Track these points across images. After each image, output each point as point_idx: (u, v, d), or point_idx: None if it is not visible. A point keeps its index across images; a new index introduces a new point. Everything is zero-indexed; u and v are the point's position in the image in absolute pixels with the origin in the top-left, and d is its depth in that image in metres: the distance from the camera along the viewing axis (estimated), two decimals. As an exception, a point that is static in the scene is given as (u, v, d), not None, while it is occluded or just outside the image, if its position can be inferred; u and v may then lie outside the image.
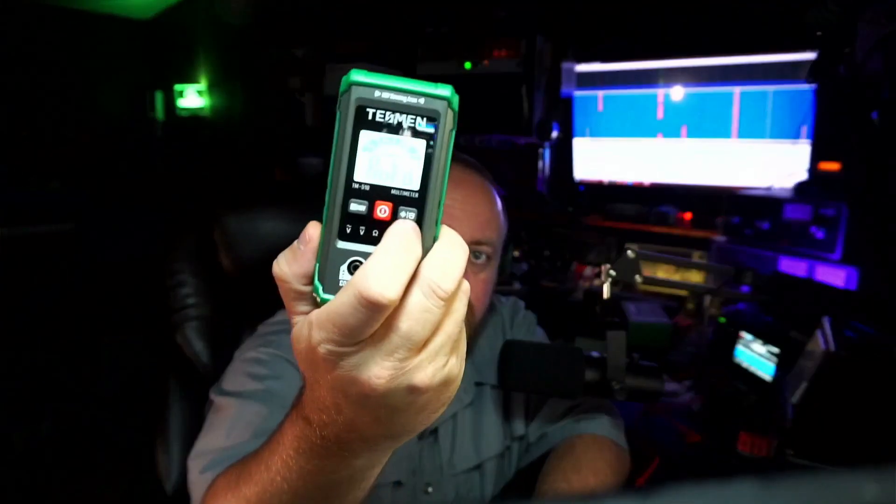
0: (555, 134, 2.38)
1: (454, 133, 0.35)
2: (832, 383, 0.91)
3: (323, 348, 0.34)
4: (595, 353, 0.86)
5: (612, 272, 0.95)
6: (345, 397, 0.37)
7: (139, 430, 1.44)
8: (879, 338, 0.95)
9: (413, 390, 0.35)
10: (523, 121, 2.41)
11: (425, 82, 0.34)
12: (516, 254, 2.23)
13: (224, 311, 1.13)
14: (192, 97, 3.94)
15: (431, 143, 0.34)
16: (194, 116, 3.99)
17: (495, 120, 2.45)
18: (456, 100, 0.35)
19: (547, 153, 2.46)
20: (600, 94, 2.27)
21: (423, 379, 0.35)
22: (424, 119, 0.34)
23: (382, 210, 0.34)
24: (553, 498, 0.87)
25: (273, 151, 3.44)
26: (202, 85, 3.95)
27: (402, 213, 0.34)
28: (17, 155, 3.65)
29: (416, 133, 0.34)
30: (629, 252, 0.95)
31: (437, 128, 0.34)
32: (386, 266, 0.32)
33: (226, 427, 0.77)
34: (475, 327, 0.91)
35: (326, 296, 0.35)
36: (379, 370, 0.34)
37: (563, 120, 2.38)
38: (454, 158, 0.94)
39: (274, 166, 3.35)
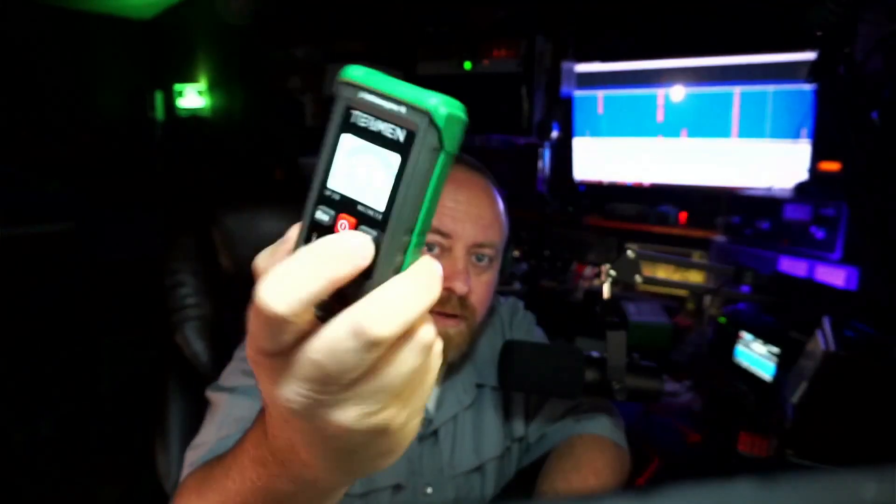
0: (555, 134, 2.38)
1: (444, 155, 0.30)
2: (832, 383, 0.91)
3: (250, 353, 0.34)
4: (595, 353, 0.86)
5: (612, 272, 0.95)
6: (273, 408, 0.36)
7: (139, 430, 1.44)
8: (879, 338, 0.95)
9: (334, 426, 0.32)
10: (523, 121, 2.41)
11: (419, 89, 0.30)
12: (516, 254, 2.22)
13: (224, 311, 1.13)
14: (192, 97, 3.94)
15: (406, 159, 0.30)
16: (194, 116, 3.99)
17: (495, 120, 2.45)
18: (443, 114, 0.29)
19: (547, 153, 2.46)
20: (600, 93, 2.27)
21: (343, 419, 0.31)
22: (403, 131, 0.30)
23: (343, 225, 0.31)
24: (553, 498, 0.87)
25: (273, 151, 3.44)
26: (202, 85, 3.95)
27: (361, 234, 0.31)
28: (16, 155, 3.64)
29: (393, 146, 0.30)
30: (629, 252, 0.95)
31: (413, 143, 0.30)
32: (282, 276, 0.29)
33: (217, 421, 0.78)
34: (476, 329, 0.91)
35: None
36: (290, 391, 0.31)
37: (563, 120, 2.38)
38: (458, 160, 0.94)
39: (274, 166, 3.35)
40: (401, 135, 0.30)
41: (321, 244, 0.29)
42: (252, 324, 0.31)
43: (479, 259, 0.87)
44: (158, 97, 4.14)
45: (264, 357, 0.32)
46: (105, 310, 3.14)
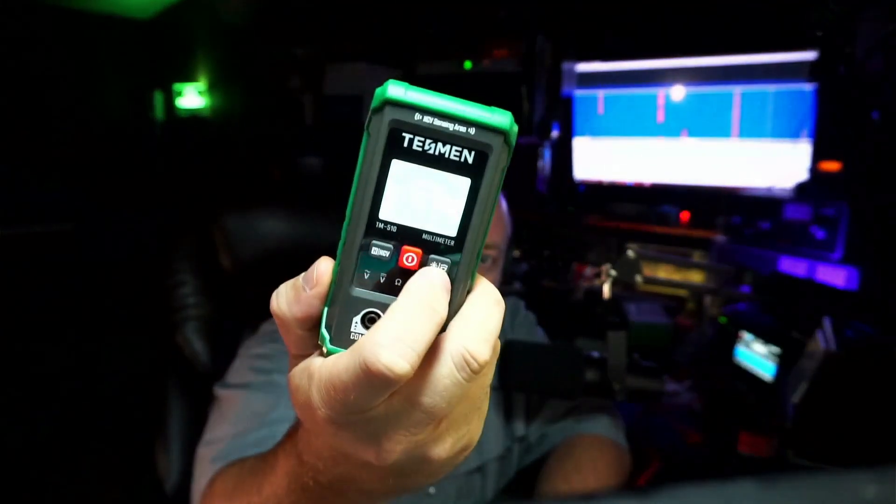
0: (555, 134, 2.37)
1: (505, 171, 0.29)
2: (832, 383, 0.91)
3: (323, 412, 0.29)
4: (595, 354, 0.86)
5: (613, 272, 0.95)
6: (345, 459, 0.33)
7: (139, 430, 1.44)
8: (879, 338, 0.95)
9: (428, 461, 0.31)
10: (523, 120, 2.40)
11: (479, 105, 0.28)
12: (516, 254, 2.22)
13: (224, 310, 1.13)
14: (192, 97, 3.94)
15: (478, 181, 0.28)
16: (194, 116, 3.99)
17: (495, 120, 2.44)
18: (514, 131, 0.29)
19: (547, 153, 2.46)
20: (600, 93, 2.27)
21: (441, 452, 0.31)
22: (473, 153, 0.28)
23: (410, 258, 0.29)
24: (553, 498, 0.87)
25: (273, 151, 3.44)
26: (202, 85, 3.95)
27: (433, 263, 0.29)
28: (17, 155, 3.65)
29: (460, 168, 0.28)
30: (630, 252, 0.95)
31: (486, 165, 0.28)
32: (401, 332, 0.26)
33: (233, 417, 0.77)
34: None
35: (334, 347, 0.29)
36: (390, 444, 0.29)
37: (563, 120, 2.38)
38: None
39: (273, 166, 3.35)
40: (469, 156, 0.28)
41: (420, 287, 0.28)
42: (342, 388, 0.28)
43: (483, 261, 0.87)
44: (158, 97, 4.14)
45: (357, 416, 0.29)
46: (105, 310, 3.14)
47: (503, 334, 1.05)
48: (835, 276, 1.30)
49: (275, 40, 3.21)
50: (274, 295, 0.31)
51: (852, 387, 0.91)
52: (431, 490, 0.91)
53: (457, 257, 0.29)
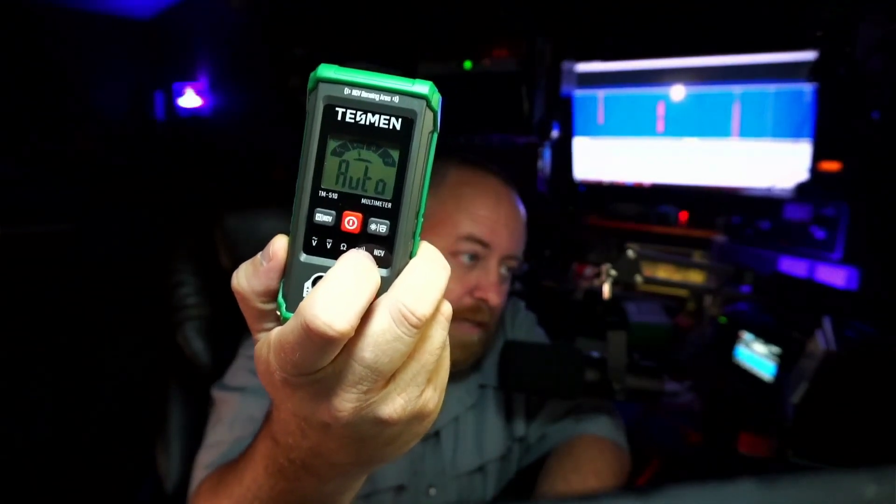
0: (555, 133, 2.37)
1: (435, 135, 0.31)
2: (832, 383, 0.91)
3: (278, 375, 0.31)
4: (595, 354, 0.86)
5: (613, 272, 0.95)
6: (307, 424, 0.34)
7: (139, 430, 1.44)
8: (879, 338, 0.95)
9: (380, 422, 0.32)
10: (523, 120, 2.40)
11: (402, 78, 0.31)
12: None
13: (224, 310, 1.13)
14: (192, 97, 3.94)
15: (407, 147, 0.31)
16: (194, 116, 3.99)
17: (495, 119, 2.44)
18: (436, 98, 0.31)
19: (547, 153, 2.46)
20: (600, 93, 2.27)
21: (391, 412, 0.32)
22: (399, 120, 0.30)
23: (351, 221, 0.31)
24: (553, 498, 0.87)
25: (273, 151, 3.44)
26: (202, 85, 3.95)
27: (373, 226, 0.31)
28: (17, 155, 3.65)
29: (389, 136, 0.31)
30: (629, 252, 0.95)
31: (413, 130, 0.30)
32: (338, 292, 0.28)
33: (229, 421, 0.78)
34: (491, 333, 0.92)
35: (289, 314, 0.31)
36: (340, 402, 0.31)
37: (563, 120, 2.38)
38: (491, 170, 0.94)
39: (274, 166, 3.35)
40: (397, 123, 0.31)
41: (358, 254, 0.30)
42: (289, 348, 0.30)
43: (508, 269, 0.89)
44: (158, 97, 4.14)
45: (305, 377, 0.31)
46: (105, 310, 3.13)
47: (503, 334, 1.05)
48: (835, 276, 1.30)
49: (275, 41, 3.21)
50: (234, 273, 0.33)
51: (852, 387, 0.91)
52: (432, 491, 0.91)
53: (395, 219, 0.31)
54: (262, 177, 3.48)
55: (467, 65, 2.47)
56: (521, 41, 2.38)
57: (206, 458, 0.73)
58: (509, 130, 2.46)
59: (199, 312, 1.10)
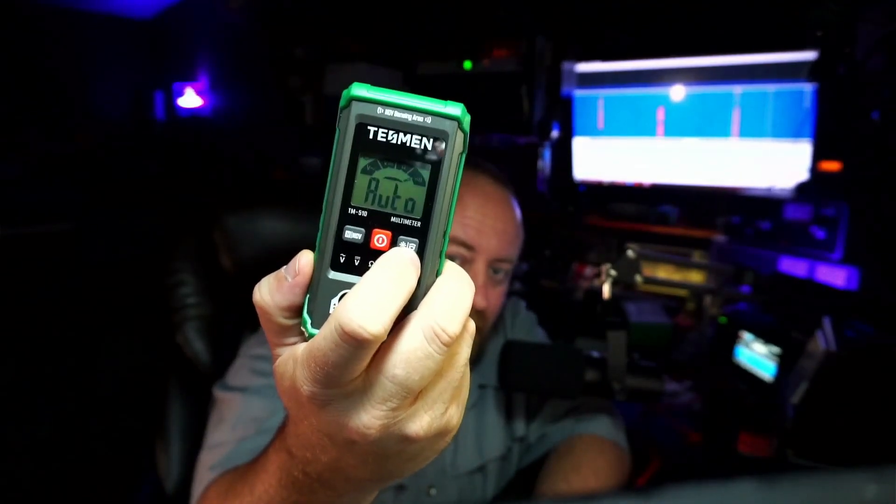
0: (555, 133, 2.37)
1: (464, 156, 0.32)
2: (832, 383, 0.91)
3: (306, 389, 0.31)
4: (595, 353, 0.86)
5: (613, 272, 0.95)
6: (330, 440, 0.34)
7: (139, 430, 1.44)
8: (879, 338, 0.95)
9: (406, 440, 0.32)
10: (523, 120, 2.40)
11: (434, 100, 0.31)
12: (516, 254, 2.22)
13: (224, 311, 1.13)
14: (192, 97, 3.94)
15: (438, 167, 0.31)
16: (194, 116, 3.99)
17: (495, 119, 2.44)
18: (467, 120, 0.32)
19: (547, 153, 2.46)
20: (600, 93, 2.27)
21: (418, 430, 0.32)
22: (431, 140, 0.31)
23: (380, 239, 0.31)
24: (553, 498, 0.87)
25: (273, 151, 3.44)
26: (202, 85, 3.95)
27: (402, 244, 0.31)
28: (17, 155, 3.65)
29: (421, 156, 0.31)
30: (629, 252, 0.95)
31: (444, 150, 0.31)
32: (370, 296, 0.29)
33: (232, 421, 0.77)
34: (485, 337, 0.92)
35: (314, 330, 0.31)
36: (369, 419, 0.31)
37: (563, 120, 2.38)
38: (483, 170, 0.94)
39: (274, 166, 3.35)
40: (428, 144, 0.31)
41: (389, 260, 0.30)
42: (321, 357, 0.29)
43: (496, 272, 0.88)
44: (158, 97, 4.14)
45: (334, 391, 0.30)
46: (105, 310, 3.13)
47: (503, 334, 1.05)
48: (835, 276, 1.30)
49: (275, 40, 3.21)
50: (256, 287, 0.33)
51: (852, 387, 0.91)
52: (433, 491, 0.91)
53: (424, 237, 0.31)
54: (262, 177, 3.48)
55: (467, 65, 2.47)
56: (521, 41, 2.38)
57: (210, 459, 0.73)
58: (509, 130, 2.46)
59: (199, 312, 1.10)
